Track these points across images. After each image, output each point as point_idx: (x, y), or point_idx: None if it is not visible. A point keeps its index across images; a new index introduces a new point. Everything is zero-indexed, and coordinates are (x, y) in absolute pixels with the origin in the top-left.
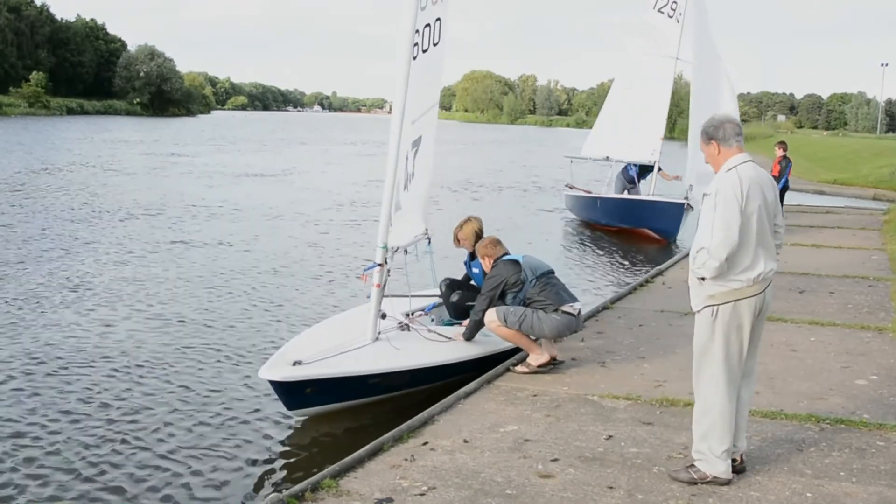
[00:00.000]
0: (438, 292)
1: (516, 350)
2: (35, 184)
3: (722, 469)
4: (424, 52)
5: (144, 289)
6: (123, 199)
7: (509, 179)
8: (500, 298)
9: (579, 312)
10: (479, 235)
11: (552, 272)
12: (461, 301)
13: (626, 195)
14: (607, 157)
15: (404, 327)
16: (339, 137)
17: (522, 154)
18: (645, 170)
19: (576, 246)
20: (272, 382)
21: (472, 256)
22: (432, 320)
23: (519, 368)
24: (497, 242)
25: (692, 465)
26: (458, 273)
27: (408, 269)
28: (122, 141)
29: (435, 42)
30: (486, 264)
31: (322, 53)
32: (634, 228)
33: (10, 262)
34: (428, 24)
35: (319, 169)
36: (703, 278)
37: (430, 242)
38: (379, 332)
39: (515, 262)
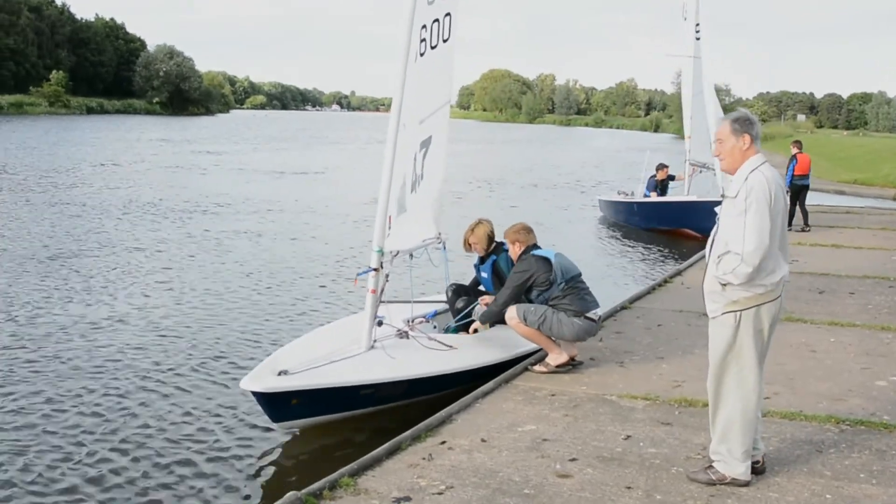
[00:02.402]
0: (445, 298)
1: (521, 359)
2: (92, 180)
3: (741, 470)
4: (433, 48)
5: (168, 284)
6: (180, 194)
7: (538, 178)
8: (525, 293)
9: (599, 318)
10: (491, 238)
11: (580, 275)
12: (466, 307)
13: (661, 198)
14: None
15: (403, 335)
16: (365, 136)
17: (549, 153)
18: (664, 185)
19: (600, 244)
20: (254, 394)
21: (482, 260)
22: (434, 327)
23: (537, 368)
24: (530, 230)
25: (710, 467)
26: (466, 278)
27: (412, 273)
28: (163, 140)
29: (444, 38)
30: (516, 250)
31: (340, 53)
32: (676, 230)
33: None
34: (437, 20)
35: (355, 167)
36: (724, 284)
37: (445, 247)
38: (375, 340)
39: (547, 261)
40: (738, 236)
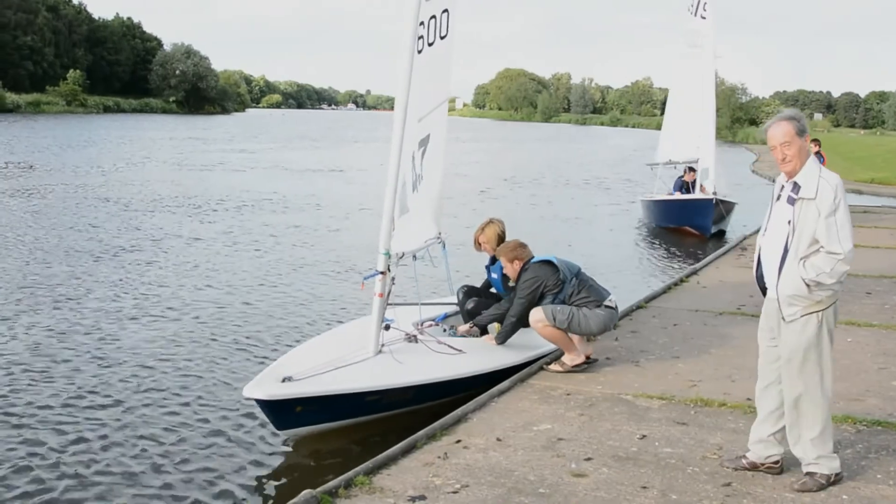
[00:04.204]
0: (455, 300)
1: (532, 362)
2: (136, 177)
3: (838, 465)
4: (430, 45)
5: (187, 282)
6: (224, 192)
7: (560, 175)
8: (538, 301)
9: (616, 306)
10: (501, 238)
11: (581, 268)
12: (476, 309)
13: (668, 196)
14: (669, 160)
15: (412, 339)
16: (386, 135)
17: (567, 151)
18: (690, 187)
19: (621, 243)
20: (257, 401)
21: (493, 260)
22: (444, 331)
23: (553, 367)
24: (525, 245)
25: (811, 474)
26: (478, 279)
27: (418, 275)
28: (193, 138)
29: (442, 35)
30: (514, 268)
31: (354, 52)
32: (679, 227)
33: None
34: (434, 16)
35: (381, 165)
36: (812, 284)
37: (444, 247)
38: (382, 345)
39: (551, 263)
40: (833, 236)
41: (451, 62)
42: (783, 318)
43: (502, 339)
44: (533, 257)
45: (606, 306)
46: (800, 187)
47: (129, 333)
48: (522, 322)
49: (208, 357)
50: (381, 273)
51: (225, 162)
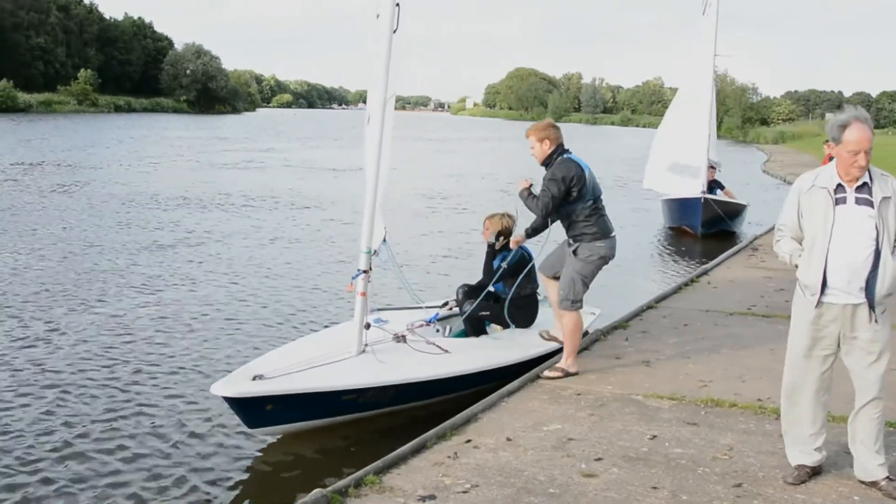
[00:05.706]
0: (445, 301)
1: (520, 364)
2: (170, 175)
3: None
4: None
5: (198, 280)
6: (256, 190)
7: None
8: (568, 198)
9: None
10: (506, 233)
11: (601, 196)
12: (474, 312)
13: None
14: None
15: (400, 339)
16: (403, 134)
17: (581, 152)
18: (710, 186)
19: (632, 242)
20: (225, 399)
21: (494, 255)
22: (437, 331)
23: (548, 373)
24: (558, 127)
25: (891, 479)
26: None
27: (391, 279)
28: (215, 138)
29: (393, 30)
30: (543, 149)
31: (363, 51)
32: (679, 226)
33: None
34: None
35: (407, 163)
36: None
37: (385, 240)
38: (366, 345)
39: (581, 170)
40: None
41: (402, 58)
42: (875, 320)
43: (530, 233)
44: (567, 149)
45: (609, 237)
46: (870, 188)
47: (145, 330)
48: (548, 215)
49: (223, 354)
50: (364, 272)
51: (254, 160)
